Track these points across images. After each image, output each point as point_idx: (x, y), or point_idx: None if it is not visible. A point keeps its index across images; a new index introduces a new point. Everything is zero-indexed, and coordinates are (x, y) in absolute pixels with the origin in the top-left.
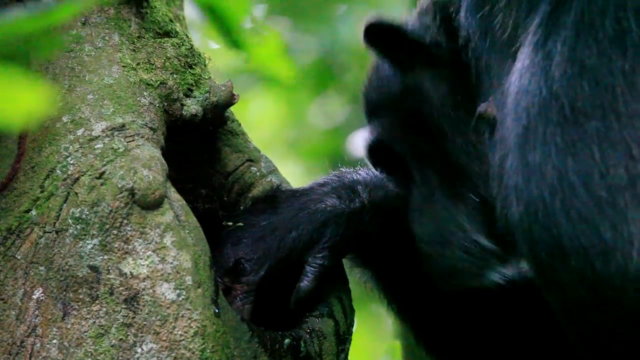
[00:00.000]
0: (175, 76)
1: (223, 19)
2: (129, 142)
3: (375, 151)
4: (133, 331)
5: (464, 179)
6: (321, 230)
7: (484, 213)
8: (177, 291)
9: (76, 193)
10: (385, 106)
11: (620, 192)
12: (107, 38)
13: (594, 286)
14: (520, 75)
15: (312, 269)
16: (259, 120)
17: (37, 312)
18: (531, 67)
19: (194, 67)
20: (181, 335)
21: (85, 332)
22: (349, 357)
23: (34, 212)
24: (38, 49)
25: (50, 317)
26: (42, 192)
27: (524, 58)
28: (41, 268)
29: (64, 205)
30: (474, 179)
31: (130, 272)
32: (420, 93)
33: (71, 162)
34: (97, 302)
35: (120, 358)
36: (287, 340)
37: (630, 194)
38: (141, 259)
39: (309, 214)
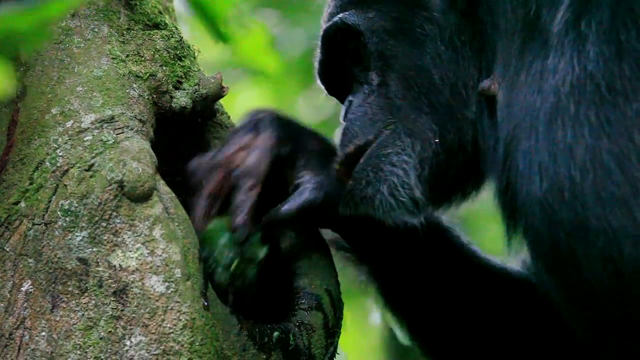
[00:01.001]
0: (164, 68)
1: (209, 11)
2: (118, 134)
3: (336, 35)
4: (122, 324)
5: (431, 105)
6: (327, 158)
7: (435, 154)
8: (166, 284)
9: (65, 185)
10: None
11: None
12: (96, 30)
13: (620, 270)
14: (544, 55)
15: (299, 198)
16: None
17: (26, 305)
18: (560, 46)
19: (183, 59)
20: (170, 327)
21: (74, 324)
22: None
23: (22, 204)
24: (28, 43)
25: (39, 309)
26: (31, 184)
27: (546, 37)
28: (30, 260)
29: (53, 197)
30: (440, 110)
31: (119, 264)
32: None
33: (60, 154)
34: (86, 294)
35: (109, 350)
36: (276, 333)
37: None
38: (130, 251)
39: (320, 140)
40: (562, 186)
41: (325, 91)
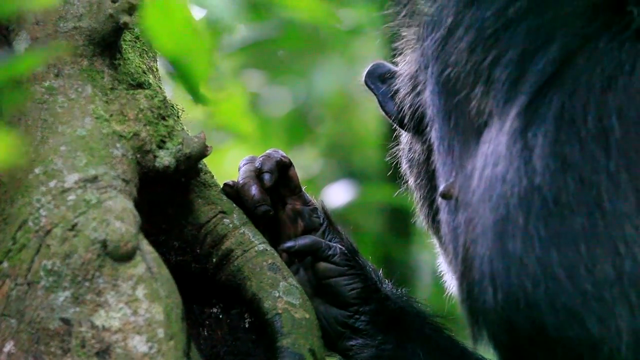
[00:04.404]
0: (148, 128)
1: (189, 72)
2: (102, 193)
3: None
4: None
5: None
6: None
7: None
8: (149, 344)
9: (48, 245)
10: None
11: (607, 287)
12: (80, 89)
13: None
14: (494, 162)
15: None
16: (234, 171)
17: None
18: (508, 156)
19: (167, 118)
20: None
21: None
22: None
23: (5, 264)
24: (8, 100)
25: None
26: (14, 244)
27: (497, 145)
28: (12, 320)
29: (36, 257)
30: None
31: (102, 324)
32: None
33: (43, 214)
34: (68, 355)
35: None
36: None
37: (617, 290)
38: (113, 311)
39: None
40: (517, 297)
41: None
